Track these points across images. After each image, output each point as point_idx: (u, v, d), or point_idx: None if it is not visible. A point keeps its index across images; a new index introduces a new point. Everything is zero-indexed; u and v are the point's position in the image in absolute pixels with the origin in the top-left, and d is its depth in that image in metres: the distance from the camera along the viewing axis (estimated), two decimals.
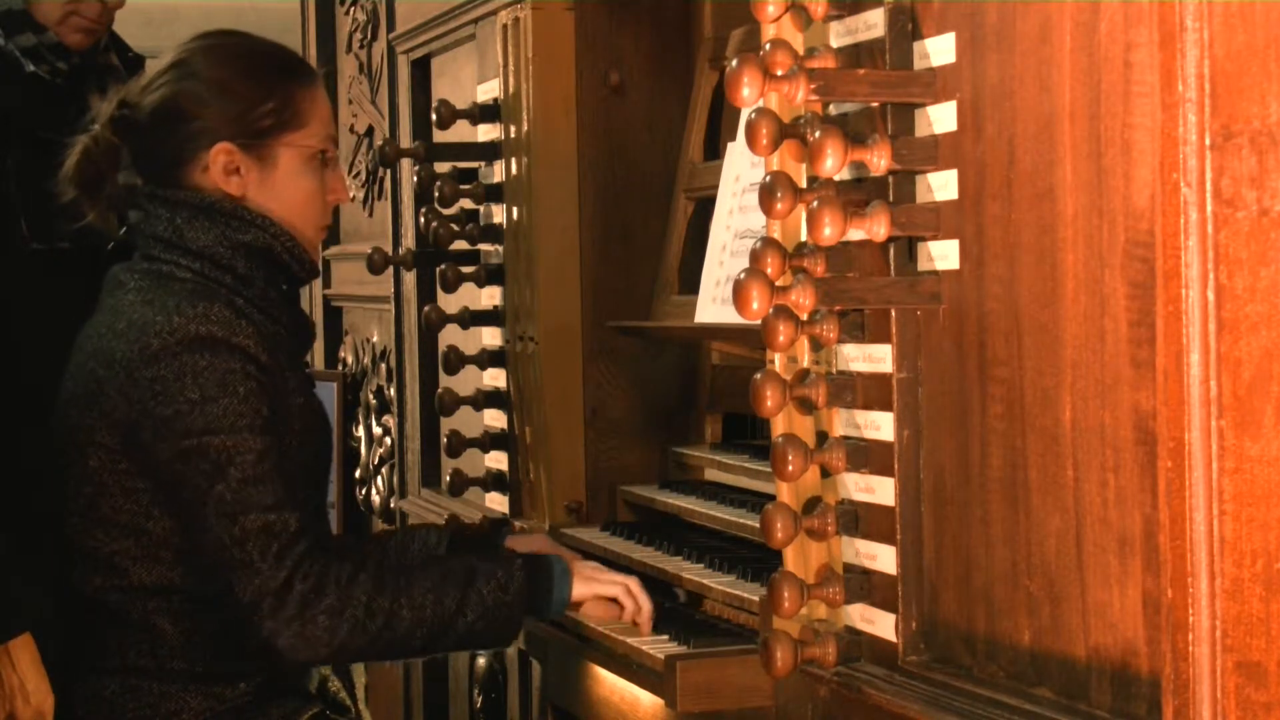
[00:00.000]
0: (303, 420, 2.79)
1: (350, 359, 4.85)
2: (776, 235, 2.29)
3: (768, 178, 2.07)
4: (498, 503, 3.60)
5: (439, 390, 3.66)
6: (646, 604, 2.76)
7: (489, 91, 3.57)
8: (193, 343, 2.63)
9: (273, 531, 2.60)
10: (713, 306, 3.07)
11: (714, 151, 3.31)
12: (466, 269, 3.57)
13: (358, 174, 4.72)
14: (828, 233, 2.02)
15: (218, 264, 2.75)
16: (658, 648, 2.66)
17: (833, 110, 2.21)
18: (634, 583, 2.78)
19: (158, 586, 2.71)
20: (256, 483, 2.61)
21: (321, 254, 3.00)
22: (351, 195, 4.71)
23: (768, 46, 2.07)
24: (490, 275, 3.55)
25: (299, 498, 2.68)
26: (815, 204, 2.03)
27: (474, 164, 3.63)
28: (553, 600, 2.75)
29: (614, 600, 2.78)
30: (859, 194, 2.16)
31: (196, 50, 2.84)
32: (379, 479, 4.57)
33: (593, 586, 2.77)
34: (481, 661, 3.65)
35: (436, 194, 3.56)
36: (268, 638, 2.61)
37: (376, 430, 4.60)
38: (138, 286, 2.75)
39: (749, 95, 2.03)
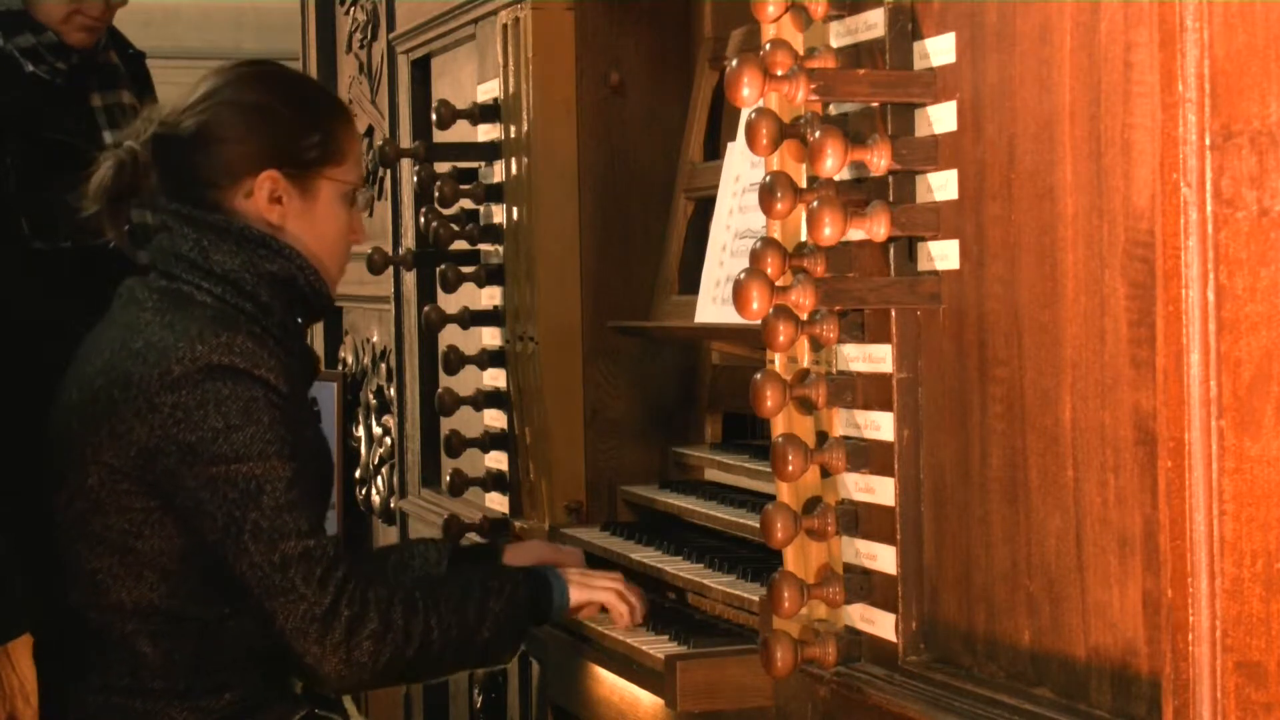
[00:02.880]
0: (311, 451, 2.79)
1: (350, 359, 4.85)
2: (776, 235, 2.29)
3: (768, 178, 2.07)
4: (498, 503, 3.60)
5: (439, 390, 3.66)
6: (636, 608, 2.80)
7: (489, 91, 3.57)
8: (214, 371, 2.62)
9: (314, 557, 2.60)
10: (713, 306, 3.07)
11: (714, 151, 3.31)
12: (466, 269, 3.57)
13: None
14: (828, 233, 2.02)
15: (240, 290, 2.73)
16: (658, 648, 2.66)
17: (833, 110, 2.21)
18: (622, 584, 2.82)
19: (137, 607, 2.69)
20: (290, 509, 2.61)
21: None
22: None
23: (768, 46, 2.07)
24: (490, 275, 3.55)
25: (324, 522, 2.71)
26: (815, 204, 2.03)
27: (474, 164, 3.63)
28: (554, 608, 2.80)
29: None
30: (859, 194, 2.16)
31: (241, 77, 2.83)
32: (379, 479, 4.58)
33: (587, 593, 2.81)
34: None
35: (436, 194, 3.56)
36: (314, 665, 2.62)
37: (376, 430, 4.60)
38: (156, 306, 2.72)
39: (749, 95, 2.03)
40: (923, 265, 2.11)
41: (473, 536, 3.46)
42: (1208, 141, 1.65)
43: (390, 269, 3.94)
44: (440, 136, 3.76)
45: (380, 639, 2.62)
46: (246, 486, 2.60)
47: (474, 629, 2.70)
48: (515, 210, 3.45)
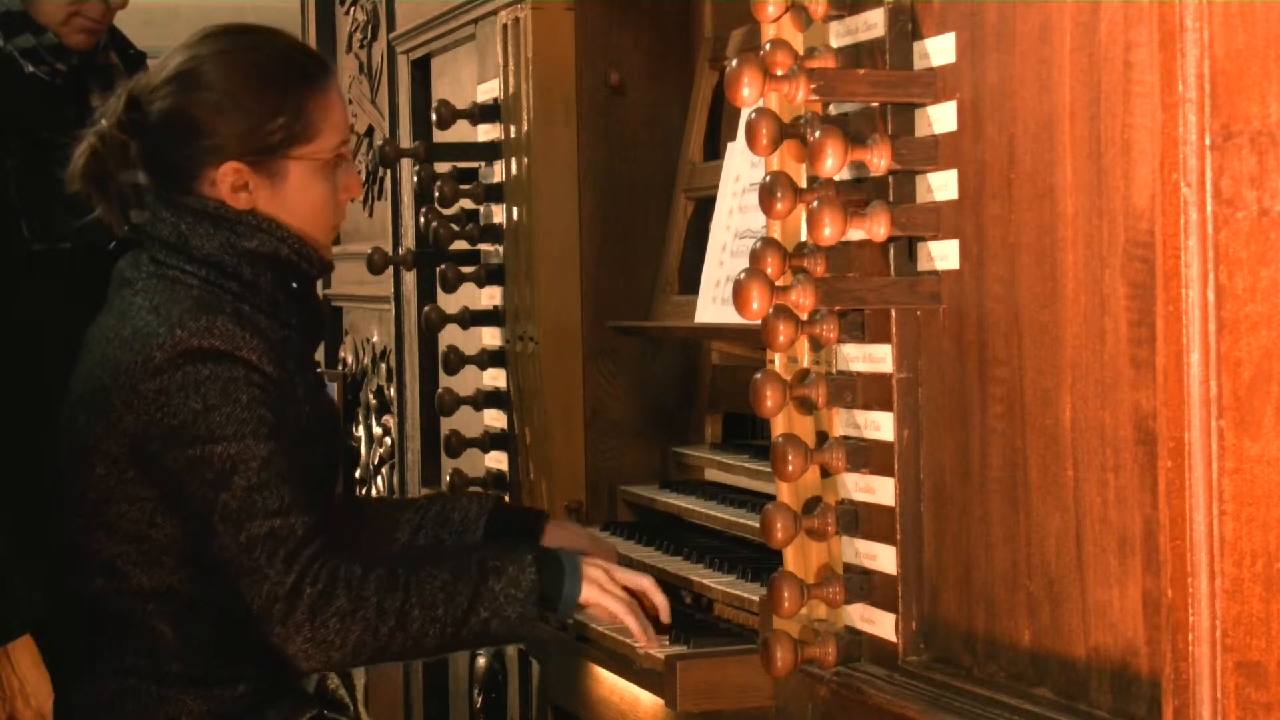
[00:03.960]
0: (311, 426, 2.78)
1: (350, 359, 4.85)
2: (776, 235, 2.29)
3: (768, 178, 2.07)
4: None
5: (439, 390, 3.66)
6: (642, 631, 2.68)
7: (489, 91, 3.57)
8: (194, 354, 2.62)
9: (279, 536, 2.58)
10: (713, 306, 3.07)
11: (714, 151, 3.31)
12: (466, 269, 3.57)
13: (358, 174, 4.72)
14: (828, 233, 2.02)
15: (223, 271, 2.73)
16: (658, 648, 2.66)
17: (833, 110, 2.21)
18: (646, 588, 2.72)
19: (158, 590, 2.71)
20: (261, 489, 2.60)
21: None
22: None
23: (768, 46, 2.07)
24: (490, 275, 3.55)
25: (308, 502, 2.66)
26: (815, 204, 2.03)
27: (474, 164, 3.63)
28: (562, 599, 2.69)
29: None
30: (859, 194, 2.16)
31: (208, 57, 2.78)
32: (379, 479, 4.58)
33: (600, 596, 2.69)
34: (481, 661, 3.65)
35: (436, 194, 3.56)
36: (280, 645, 2.58)
37: (376, 430, 4.61)
38: (145, 289, 2.73)
39: (749, 95, 2.03)
40: (923, 265, 2.11)
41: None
42: (1208, 141, 1.65)
43: (390, 269, 3.94)
44: (440, 136, 3.76)
45: (348, 617, 2.57)
46: (222, 467, 2.60)
47: (466, 610, 2.62)
48: (515, 210, 3.45)
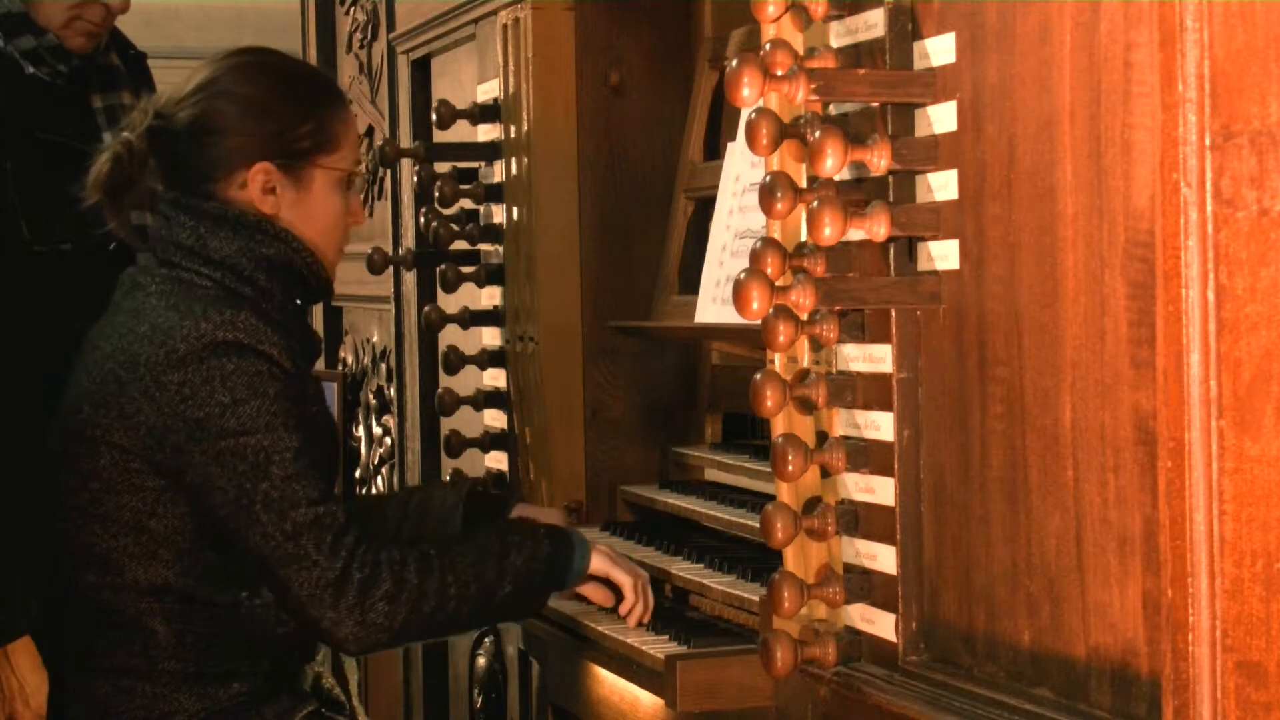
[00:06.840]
0: (316, 428, 2.81)
1: (350, 359, 4.85)
2: (776, 235, 2.29)
3: (768, 178, 2.07)
4: None
5: (439, 390, 3.66)
6: (644, 608, 2.81)
7: (489, 91, 3.57)
8: (218, 347, 2.66)
9: (324, 524, 2.64)
10: (713, 306, 3.07)
11: (714, 151, 3.31)
12: (466, 269, 3.57)
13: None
14: (828, 233, 2.03)
15: (239, 275, 2.77)
16: (658, 648, 2.66)
17: (833, 110, 2.21)
18: (644, 580, 2.83)
19: (152, 586, 2.72)
20: (299, 478, 2.64)
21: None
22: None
23: (768, 46, 2.07)
24: (490, 275, 3.55)
25: (334, 494, 2.73)
26: (815, 204, 2.03)
27: (474, 164, 3.63)
28: (572, 570, 2.80)
29: (616, 588, 2.84)
30: (859, 194, 2.16)
31: (235, 67, 2.85)
32: (379, 479, 4.58)
33: (608, 566, 2.82)
34: (481, 661, 3.65)
35: (436, 194, 3.56)
36: (330, 629, 2.64)
37: (376, 430, 4.60)
38: (159, 290, 2.76)
39: (749, 95, 2.03)
40: (923, 265, 2.11)
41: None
42: (1208, 141, 1.65)
43: (390, 269, 3.94)
44: (440, 136, 3.76)
45: (394, 599, 2.64)
46: (255, 459, 2.64)
47: (494, 584, 2.72)
48: (515, 210, 3.45)
